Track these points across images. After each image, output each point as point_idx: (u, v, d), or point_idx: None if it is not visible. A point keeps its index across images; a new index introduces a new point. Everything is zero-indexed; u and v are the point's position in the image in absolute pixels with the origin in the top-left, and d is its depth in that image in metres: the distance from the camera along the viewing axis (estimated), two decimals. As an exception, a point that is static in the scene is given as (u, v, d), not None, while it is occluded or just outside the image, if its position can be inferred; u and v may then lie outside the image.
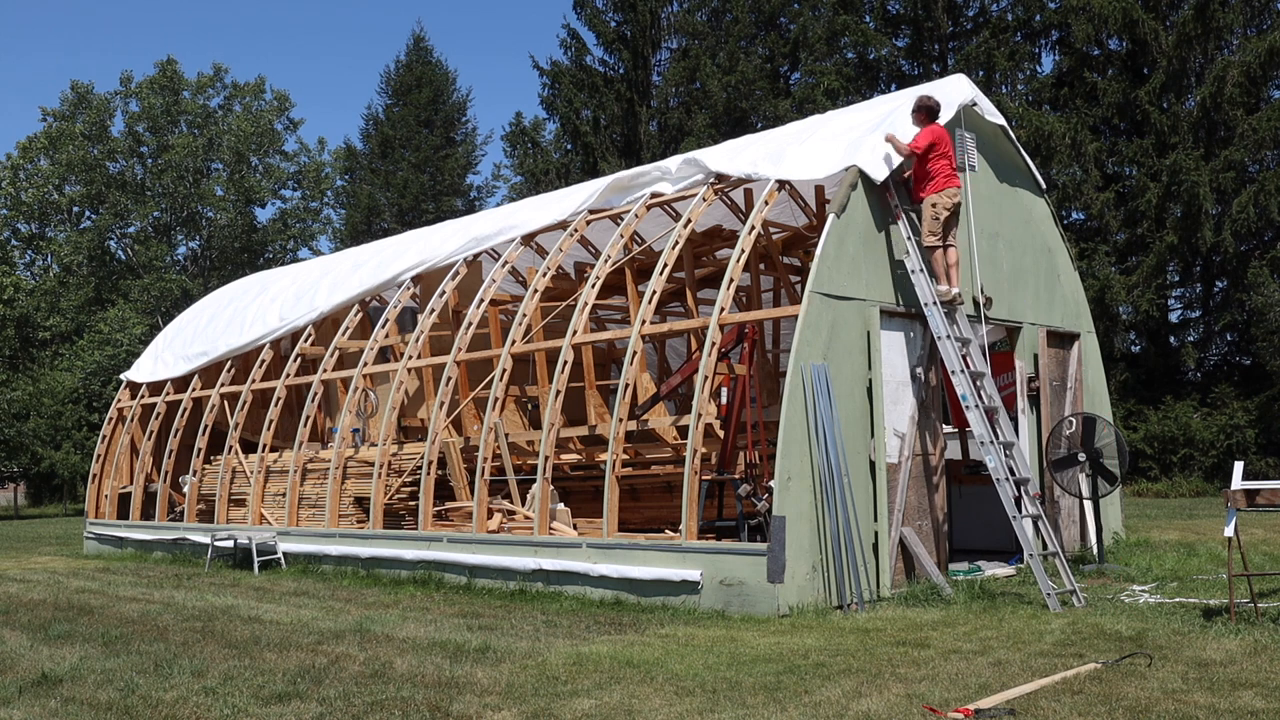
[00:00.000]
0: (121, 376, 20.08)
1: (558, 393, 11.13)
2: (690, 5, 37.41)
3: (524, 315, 12.26)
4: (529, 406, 14.72)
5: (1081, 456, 10.95)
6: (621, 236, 12.01)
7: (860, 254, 10.04)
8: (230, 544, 14.74)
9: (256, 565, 13.74)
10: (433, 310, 13.65)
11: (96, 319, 42.20)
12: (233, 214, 49.71)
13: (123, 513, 18.20)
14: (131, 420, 18.64)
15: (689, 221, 11.26)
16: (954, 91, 11.20)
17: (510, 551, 11.11)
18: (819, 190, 12.68)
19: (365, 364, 14.11)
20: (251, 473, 15.37)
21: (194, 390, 17.37)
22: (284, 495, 14.63)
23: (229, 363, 16.99)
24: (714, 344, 9.94)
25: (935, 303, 10.02)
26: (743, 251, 10.28)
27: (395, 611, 9.72)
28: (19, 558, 17.81)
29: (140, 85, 49.82)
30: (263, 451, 15.23)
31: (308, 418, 14.63)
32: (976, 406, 9.72)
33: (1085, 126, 27.46)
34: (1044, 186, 12.83)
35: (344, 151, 50.79)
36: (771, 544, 8.89)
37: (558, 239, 13.04)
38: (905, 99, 10.96)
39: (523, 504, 12.10)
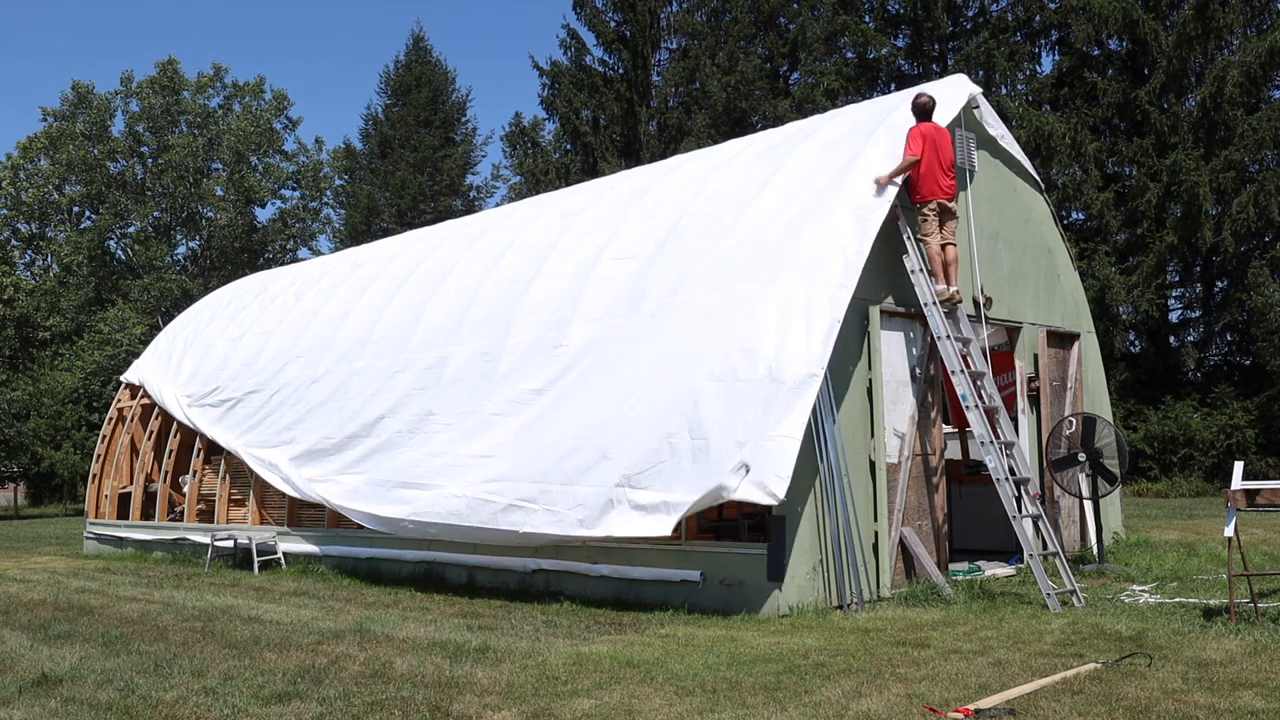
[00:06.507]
0: (121, 378, 20.05)
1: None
2: (690, 5, 37.37)
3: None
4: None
5: (1081, 456, 10.94)
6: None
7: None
8: (230, 544, 14.74)
9: (256, 565, 13.74)
10: None
11: (96, 319, 42.22)
12: (233, 214, 49.73)
13: (123, 513, 18.19)
14: (131, 420, 18.63)
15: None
16: (953, 93, 11.16)
17: (510, 551, 11.10)
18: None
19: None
20: (251, 472, 15.34)
21: (194, 390, 17.33)
22: (284, 495, 14.61)
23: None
24: (714, 344, 9.91)
25: (935, 303, 10.01)
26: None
27: (395, 611, 9.72)
28: (19, 558, 17.82)
29: (140, 85, 49.86)
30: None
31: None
32: (976, 406, 9.71)
33: (1085, 126, 27.45)
34: (1043, 186, 12.83)
35: (343, 151, 50.81)
36: (771, 544, 8.89)
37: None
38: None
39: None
